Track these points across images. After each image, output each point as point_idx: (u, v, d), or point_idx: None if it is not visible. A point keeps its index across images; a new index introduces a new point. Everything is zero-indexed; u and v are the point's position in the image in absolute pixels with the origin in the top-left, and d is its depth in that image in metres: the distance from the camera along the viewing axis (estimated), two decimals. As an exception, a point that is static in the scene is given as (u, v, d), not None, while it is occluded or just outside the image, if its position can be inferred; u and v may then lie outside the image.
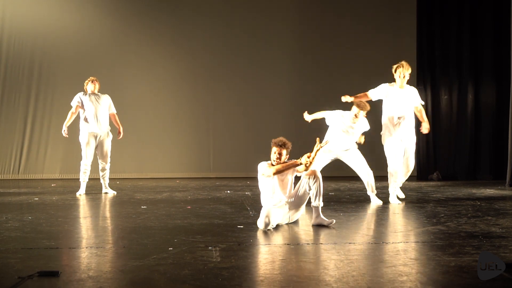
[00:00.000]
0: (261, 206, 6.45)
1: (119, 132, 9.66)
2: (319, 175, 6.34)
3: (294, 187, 6.43)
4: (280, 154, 6.34)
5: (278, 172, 6.26)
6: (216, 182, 11.61)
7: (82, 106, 9.39)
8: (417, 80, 12.03)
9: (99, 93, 9.57)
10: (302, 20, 13.10)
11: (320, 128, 12.56)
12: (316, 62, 13.05)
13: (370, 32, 13.02)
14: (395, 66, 8.24)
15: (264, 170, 6.32)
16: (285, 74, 13.08)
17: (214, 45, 12.94)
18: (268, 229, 6.08)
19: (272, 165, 6.35)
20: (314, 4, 13.12)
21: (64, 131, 9.48)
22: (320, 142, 6.26)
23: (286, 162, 6.32)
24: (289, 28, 13.11)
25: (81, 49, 12.65)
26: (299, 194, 6.36)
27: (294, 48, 13.07)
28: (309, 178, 6.29)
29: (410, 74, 8.32)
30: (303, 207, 6.49)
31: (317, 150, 6.17)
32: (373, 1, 13.12)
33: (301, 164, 6.18)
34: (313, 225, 6.36)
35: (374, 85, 13.26)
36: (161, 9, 12.86)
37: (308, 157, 6.16)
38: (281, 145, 6.33)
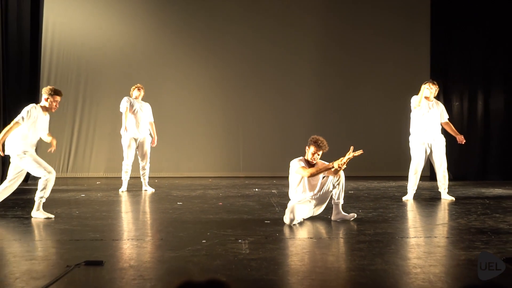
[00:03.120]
0: (287, 203, 6.45)
1: (153, 142, 9.62)
2: (342, 175, 6.33)
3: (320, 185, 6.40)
4: (317, 155, 6.29)
5: (311, 176, 6.23)
6: (245, 181, 11.63)
7: (131, 109, 9.36)
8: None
9: (142, 101, 9.57)
10: (325, 33, 13.05)
11: (339, 131, 12.59)
12: (337, 71, 12.99)
13: (387, 43, 12.92)
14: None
15: (298, 170, 6.26)
16: (309, 82, 13.05)
17: (245, 55, 12.95)
18: (294, 224, 6.09)
19: (307, 161, 6.33)
20: (337, 17, 13.06)
21: (125, 128, 9.29)
22: (354, 151, 6.15)
23: (319, 167, 6.27)
24: (313, 41, 13.07)
25: (123, 58, 12.72)
26: (324, 191, 6.35)
27: (317, 59, 13.03)
28: (333, 177, 6.29)
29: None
30: (326, 202, 6.48)
31: (349, 157, 6.09)
32: (388, 12, 13.01)
33: (333, 168, 6.14)
34: (333, 221, 6.36)
35: (391, 93, 13.17)
36: (198, 24, 12.88)
37: (340, 162, 6.09)
38: (320, 146, 6.26)
